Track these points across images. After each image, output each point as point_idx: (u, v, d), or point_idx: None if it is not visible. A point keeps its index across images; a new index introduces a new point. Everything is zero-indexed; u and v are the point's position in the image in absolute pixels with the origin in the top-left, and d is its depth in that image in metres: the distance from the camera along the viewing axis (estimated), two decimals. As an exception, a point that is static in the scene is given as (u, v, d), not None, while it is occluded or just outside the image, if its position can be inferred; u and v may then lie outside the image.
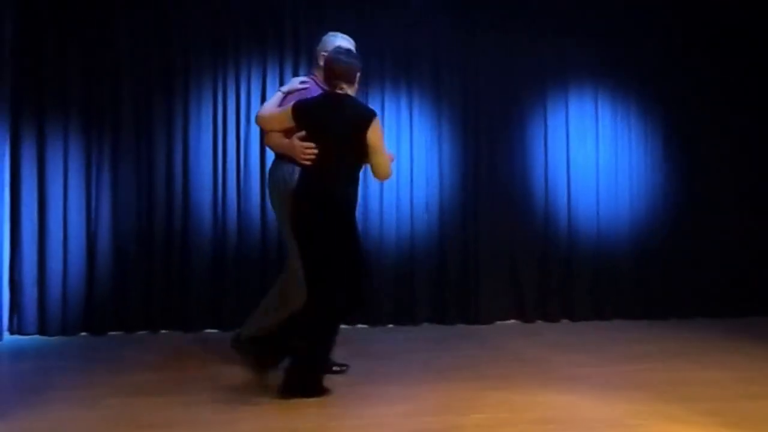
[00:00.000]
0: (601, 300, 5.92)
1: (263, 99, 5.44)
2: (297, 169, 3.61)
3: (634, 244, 6.02)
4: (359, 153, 3.43)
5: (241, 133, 5.46)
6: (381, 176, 3.57)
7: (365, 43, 5.57)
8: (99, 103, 5.27)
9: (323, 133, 3.40)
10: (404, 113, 5.71)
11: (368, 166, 3.60)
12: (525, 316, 5.80)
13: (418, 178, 5.70)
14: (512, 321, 5.78)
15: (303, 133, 3.44)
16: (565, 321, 5.85)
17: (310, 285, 3.40)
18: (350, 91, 3.51)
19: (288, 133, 3.57)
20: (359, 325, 5.43)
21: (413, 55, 5.74)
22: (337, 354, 3.79)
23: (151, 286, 5.28)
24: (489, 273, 5.74)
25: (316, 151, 3.39)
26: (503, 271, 5.82)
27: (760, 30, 6.19)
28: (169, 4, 5.39)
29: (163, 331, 5.25)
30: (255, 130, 5.40)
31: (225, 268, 5.37)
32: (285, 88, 3.80)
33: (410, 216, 5.66)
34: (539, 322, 5.80)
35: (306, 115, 3.46)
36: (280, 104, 3.70)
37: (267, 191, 4.08)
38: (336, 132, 3.38)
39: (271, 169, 3.89)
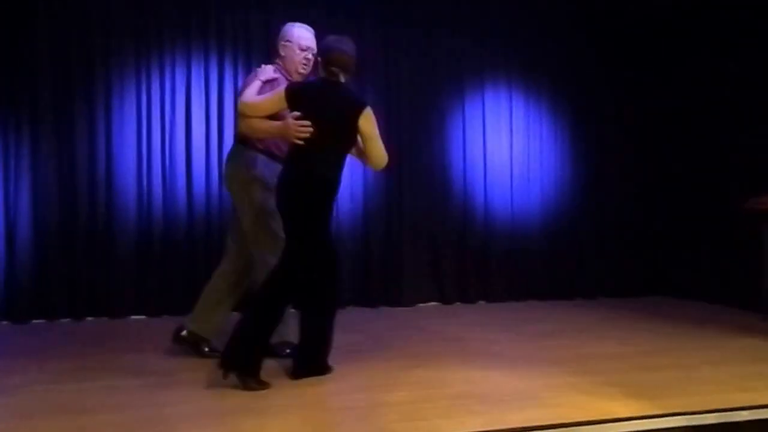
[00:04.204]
0: (514, 282, 6.02)
1: (188, 88, 5.28)
2: (260, 157, 3.56)
3: (545, 229, 6.13)
4: (349, 140, 3.33)
5: (166, 121, 5.25)
6: (375, 164, 3.43)
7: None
8: (18, 94, 4.97)
9: (317, 116, 3.23)
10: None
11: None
12: (445, 298, 5.86)
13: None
14: (433, 303, 5.83)
15: (298, 113, 3.26)
16: (481, 302, 5.93)
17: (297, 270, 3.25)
18: (344, 79, 3.37)
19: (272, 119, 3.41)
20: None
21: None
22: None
23: (73, 273, 5.02)
24: (411, 258, 5.76)
25: (311, 129, 3.22)
26: (425, 256, 5.86)
27: (651, 33, 6.36)
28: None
29: (89, 318, 5.03)
30: (180, 119, 5.25)
31: (150, 256, 5.18)
32: (263, 77, 3.60)
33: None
34: (458, 303, 5.85)
35: (301, 97, 3.29)
36: (258, 92, 3.53)
37: (225, 178, 3.76)
38: (329, 117, 3.23)
39: (231, 155, 3.70)
